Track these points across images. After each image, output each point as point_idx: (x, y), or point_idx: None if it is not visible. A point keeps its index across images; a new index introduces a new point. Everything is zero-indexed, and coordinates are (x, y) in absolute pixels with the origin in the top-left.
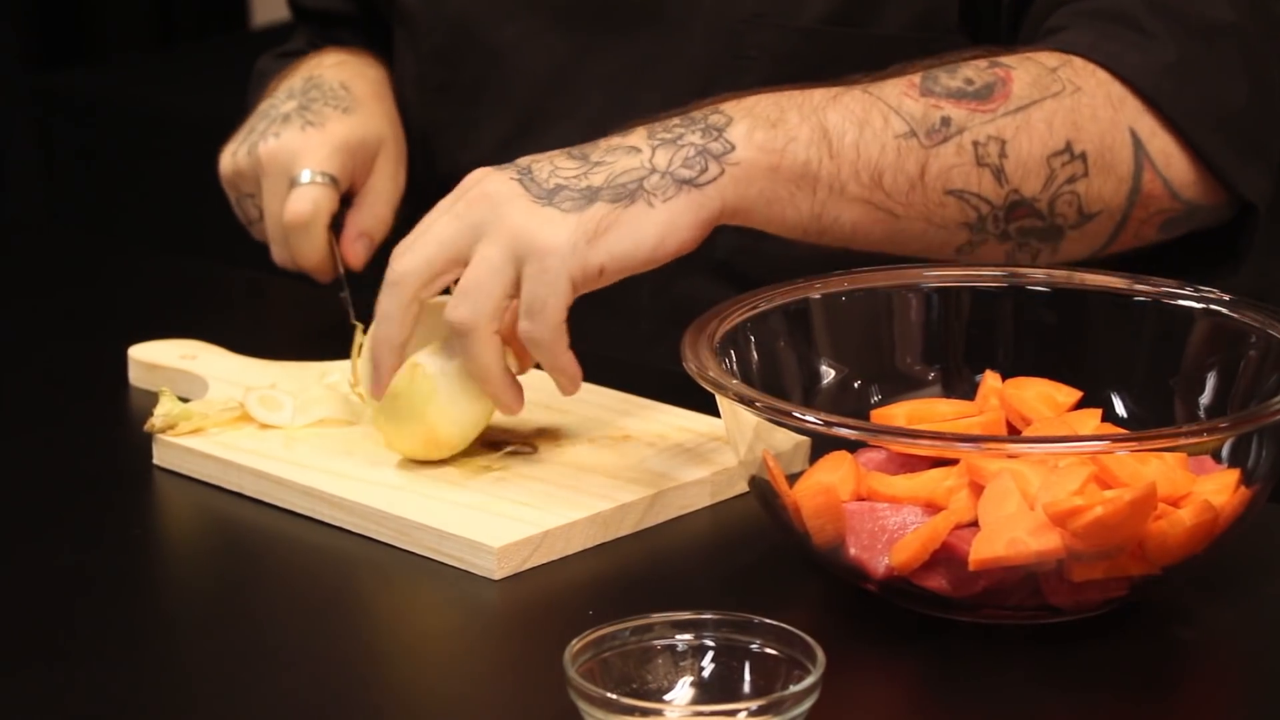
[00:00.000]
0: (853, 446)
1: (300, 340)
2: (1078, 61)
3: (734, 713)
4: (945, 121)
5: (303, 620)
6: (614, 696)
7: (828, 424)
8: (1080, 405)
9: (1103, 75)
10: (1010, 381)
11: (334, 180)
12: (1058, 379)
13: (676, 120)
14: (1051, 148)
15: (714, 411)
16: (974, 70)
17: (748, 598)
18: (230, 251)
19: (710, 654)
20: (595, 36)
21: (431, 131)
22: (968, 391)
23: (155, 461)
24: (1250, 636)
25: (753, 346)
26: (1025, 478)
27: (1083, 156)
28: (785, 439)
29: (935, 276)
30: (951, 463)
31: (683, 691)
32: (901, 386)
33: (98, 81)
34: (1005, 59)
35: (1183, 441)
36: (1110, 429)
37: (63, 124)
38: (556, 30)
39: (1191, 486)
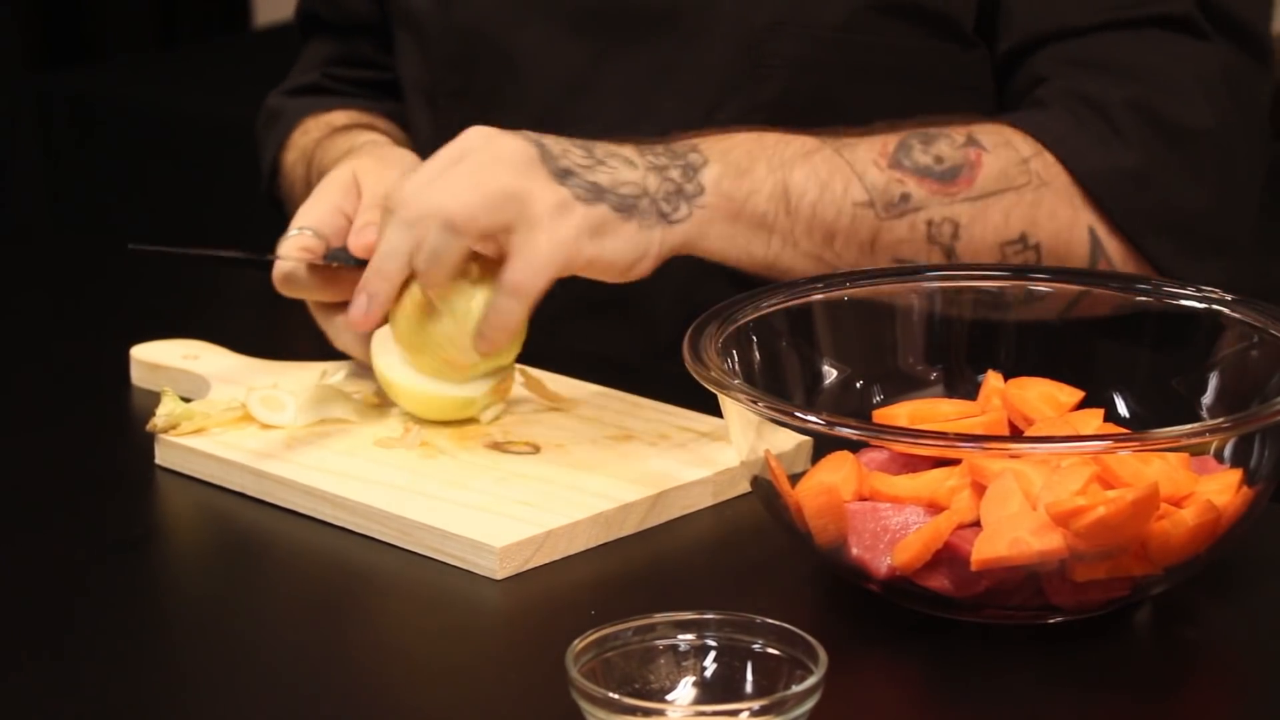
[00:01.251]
0: (855, 446)
1: (302, 340)
2: (1049, 155)
3: (736, 713)
4: (904, 198)
5: (304, 620)
6: (616, 696)
7: (830, 424)
8: (1082, 405)
9: (1068, 175)
10: (1012, 381)
11: (312, 232)
12: (1060, 379)
13: (661, 148)
14: (1006, 237)
15: (716, 411)
16: (948, 147)
17: (750, 598)
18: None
19: (712, 654)
20: (612, 43)
21: (445, 138)
22: (970, 391)
23: (157, 461)
24: (1252, 636)
25: (755, 346)
26: (1027, 478)
27: (1036, 247)
28: (787, 439)
29: (937, 277)
30: (954, 463)
31: (685, 691)
32: (904, 386)
33: (99, 81)
34: (983, 137)
35: (1185, 441)
36: (1112, 429)
37: (64, 124)
38: (573, 36)
39: (1194, 487)
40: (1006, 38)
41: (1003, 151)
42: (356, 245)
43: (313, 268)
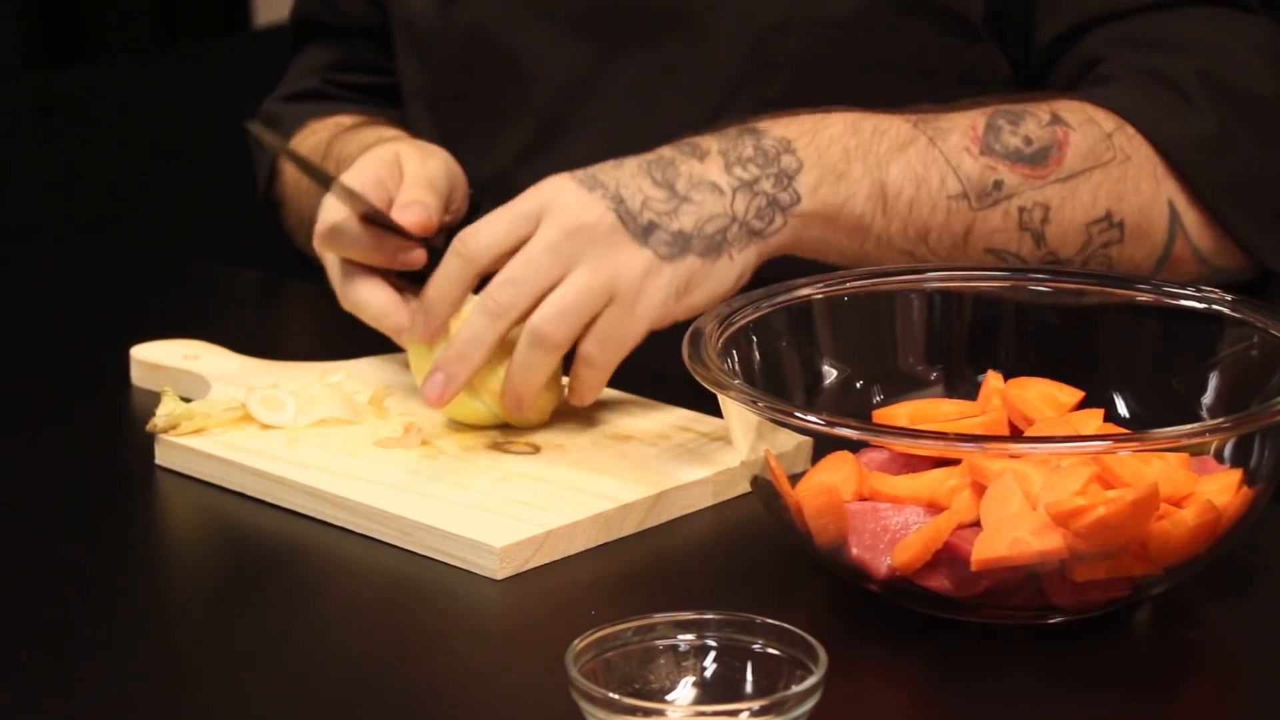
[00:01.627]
0: (855, 446)
1: (302, 340)
2: (1129, 128)
3: (736, 713)
4: (997, 185)
5: (304, 620)
6: (616, 696)
7: (830, 424)
8: (1082, 405)
9: (1149, 146)
10: (1012, 381)
11: (354, 193)
12: (1060, 379)
13: (750, 149)
14: (1093, 216)
15: (716, 412)
16: (1035, 126)
17: (750, 598)
18: (232, 251)
19: (712, 654)
20: (617, 43)
21: (447, 142)
22: (970, 391)
23: (157, 461)
24: (1252, 636)
25: (755, 346)
26: (1028, 478)
27: (1120, 224)
28: (787, 439)
29: (937, 277)
30: (954, 463)
31: (685, 691)
32: (904, 386)
33: (99, 81)
34: (1065, 114)
35: (1185, 441)
36: (1112, 429)
37: (64, 124)
38: (577, 38)
39: (1194, 487)
40: (1051, 25)
41: (1088, 129)
42: (405, 220)
43: (363, 223)
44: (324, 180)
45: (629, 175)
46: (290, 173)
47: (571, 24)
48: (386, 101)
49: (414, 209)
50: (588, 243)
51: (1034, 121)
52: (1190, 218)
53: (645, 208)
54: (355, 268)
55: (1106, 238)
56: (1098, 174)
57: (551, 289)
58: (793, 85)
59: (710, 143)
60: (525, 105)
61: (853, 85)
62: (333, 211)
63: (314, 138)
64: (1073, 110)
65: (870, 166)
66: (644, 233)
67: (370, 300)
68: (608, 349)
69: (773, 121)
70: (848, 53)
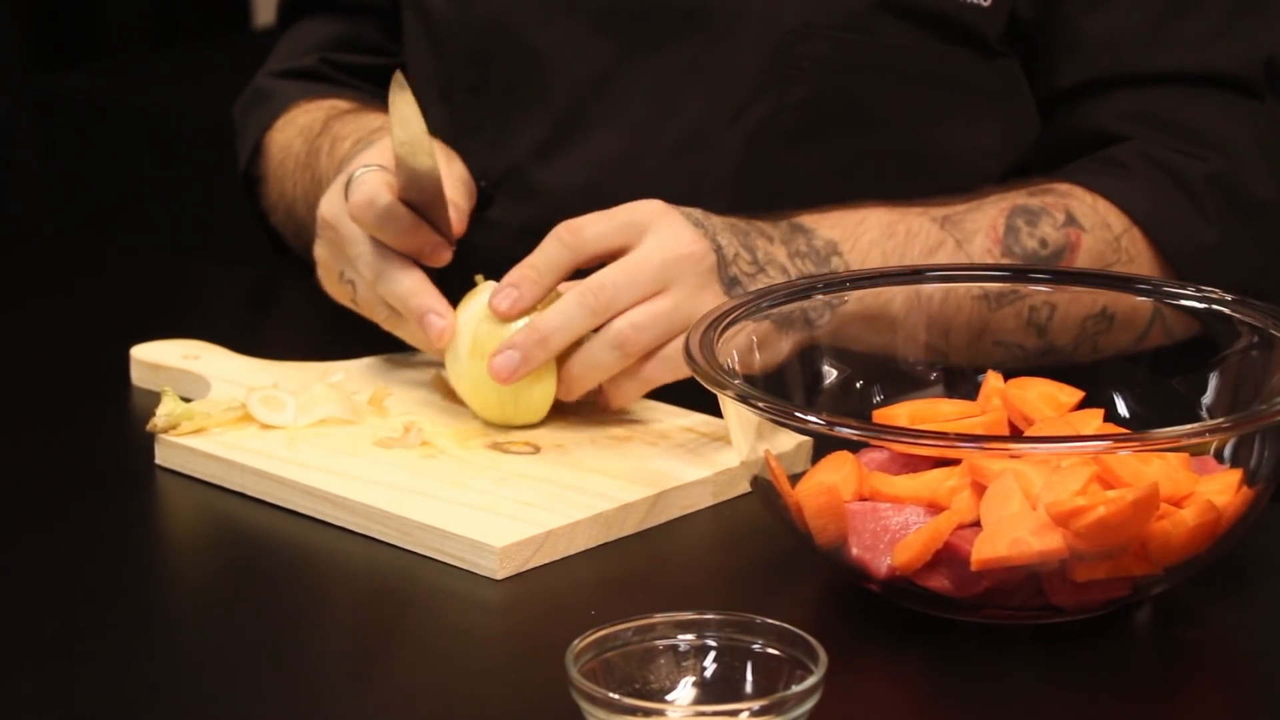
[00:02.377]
0: (855, 446)
1: (302, 340)
2: (1137, 231)
3: (736, 713)
4: (1014, 288)
5: (305, 620)
6: (616, 696)
7: (830, 424)
8: (1082, 405)
9: (1152, 250)
10: (1012, 381)
11: (383, 168)
12: (1060, 379)
13: (804, 245)
14: (1091, 312)
15: (716, 411)
16: (1050, 228)
17: (750, 598)
18: (233, 251)
19: (712, 654)
20: (638, 41)
21: (460, 134)
22: (970, 391)
23: (157, 461)
24: (1253, 636)
25: (755, 347)
26: (1028, 478)
27: (1111, 317)
28: (787, 439)
29: (938, 276)
30: (954, 463)
31: (685, 691)
32: (904, 386)
33: (99, 82)
34: (1079, 214)
35: (1185, 441)
36: (1112, 429)
37: (64, 124)
38: (599, 33)
39: (1194, 486)
40: (1074, 72)
41: (1099, 231)
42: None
43: (404, 205)
44: (414, 146)
45: (723, 227)
46: (275, 152)
47: (593, 20)
48: (381, 86)
49: (456, 213)
50: (689, 272)
51: (1049, 223)
52: (1171, 311)
53: (735, 262)
54: (385, 246)
55: (1098, 328)
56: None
57: (643, 302)
58: (816, 89)
59: (771, 230)
60: (542, 100)
61: (874, 92)
62: (375, 188)
63: (307, 116)
64: (1087, 210)
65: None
66: (730, 284)
67: (403, 278)
68: (665, 371)
69: (816, 219)
70: (869, 59)
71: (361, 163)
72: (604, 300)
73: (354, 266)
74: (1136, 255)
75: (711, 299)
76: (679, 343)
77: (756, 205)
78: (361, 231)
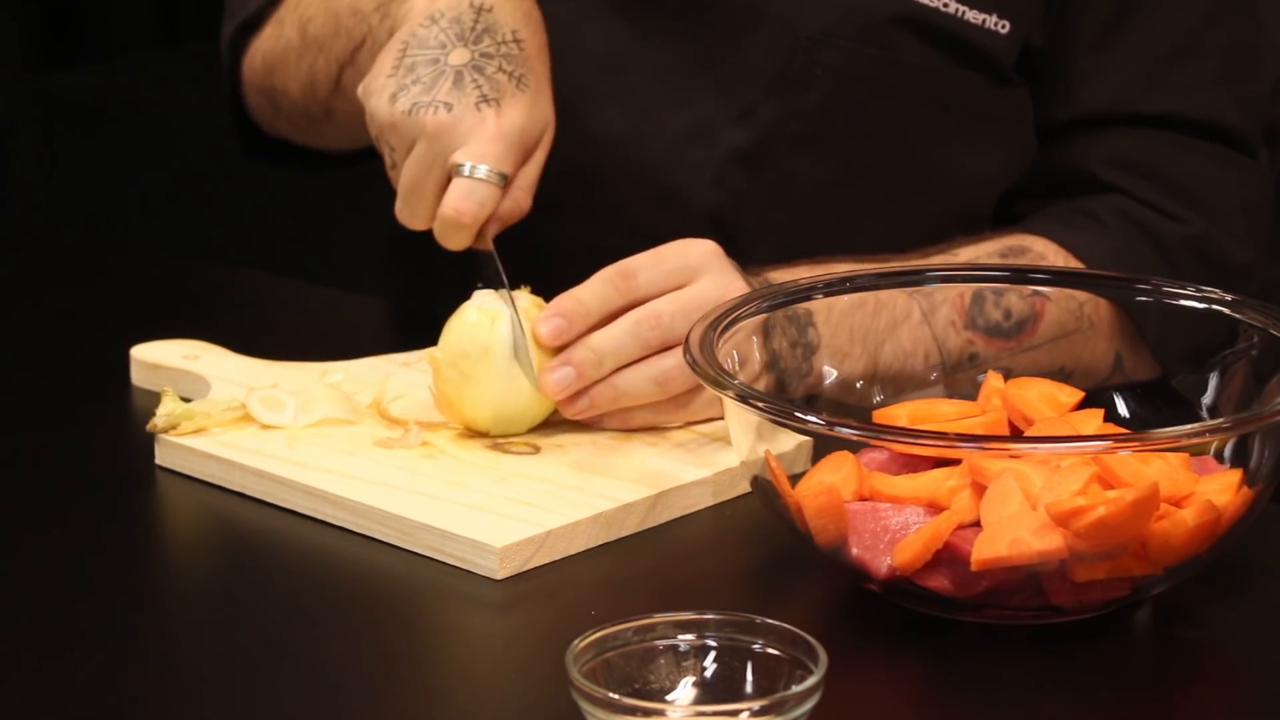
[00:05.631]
0: (855, 447)
1: (302, 340)
2: (1101, 300)
3: (736, 713)
4: (972, 358)
5: (305, 620)
6: (616, 697)
7: (830, 424)
8: (1082, 405)
9: (1114, 311)
10: (1013, 381)
11: (504, 178)
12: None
13: (786, 317)
14: (1048, 370)
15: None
16: (1017, 300)
17: (750, 598)
18: (232, 251)
19: (712, 654)
20: (654, 25)
21: None
22: (970, 392)
23: (157, 461)
24: (1252, 636)
25: (755, 347)
26: (1028, 478)
27: (1069, 375)
28: (787, 439)
29: (937, 276)
30: (954, 463)
31: (685, 692)
32: (904, 386)
33: (100, 81)
34: (1046, 285)
35: (1185, 442)
36: (1113, 429)
37: (65, 124)
38: (615, 13)
39: (1194, 487)
40: (1070, 107)
41: (1063, 301)
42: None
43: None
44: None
45: (759, 285)
46: (290, 19)
47: (607, 0)
48: None
49: (493, 226)
50: (724, 291)
51: (1015, 295)
52: (1132, 364)
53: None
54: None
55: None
56: (1062, 342)
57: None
58: (828, 99)
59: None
60: (552, 75)
61: (884, 107)
62: (473, 213)
63: None
64: (1053, 275)
65: (869, 347)
66: (764, 335)
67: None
68: (685, 410)
69: (788, 273)
70: (884, 74)
71: (484, 159)
72: (659, 334)
73: (395, 154)
74: (1098, 320)
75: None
76: (707, 393)
77: (752, 203)
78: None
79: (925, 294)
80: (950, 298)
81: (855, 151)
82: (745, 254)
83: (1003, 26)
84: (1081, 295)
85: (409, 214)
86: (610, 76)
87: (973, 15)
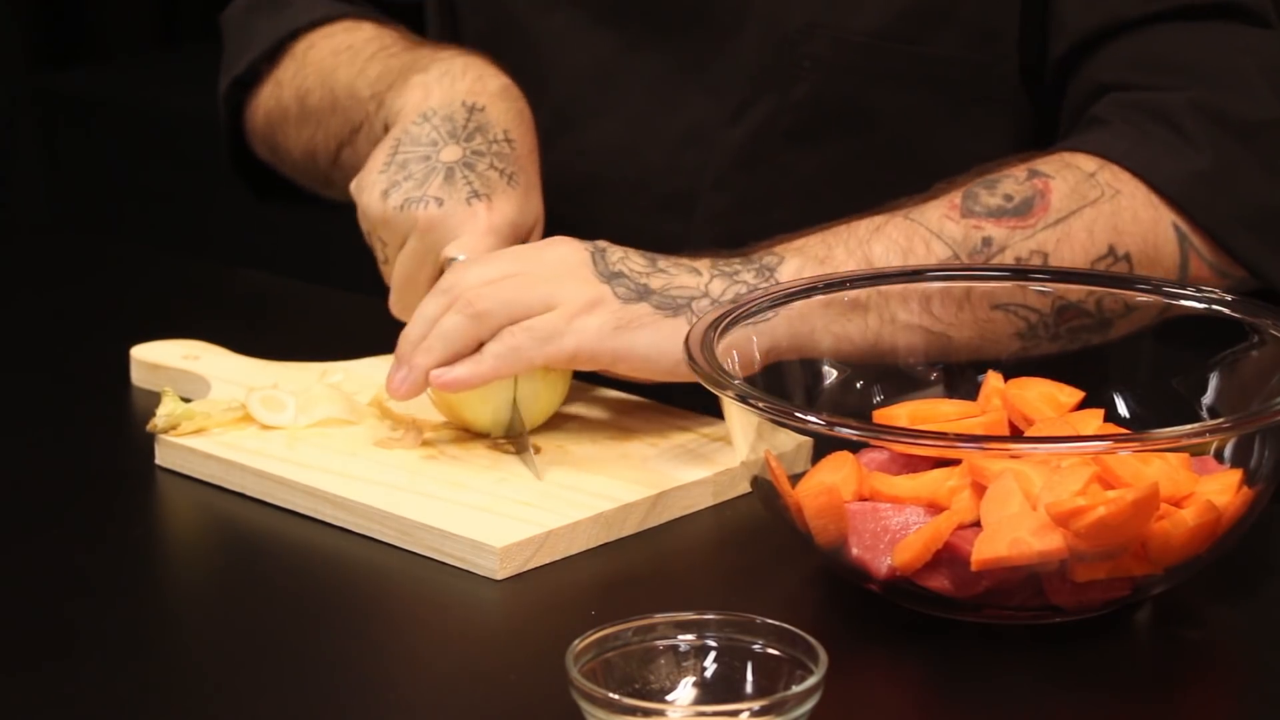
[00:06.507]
0: (855, 447)
1: (302, 340)
2: (1114, 167)
3: (736, 713)
4: (987, 241)
5: (305, 620)
6: (616, 697)
7: (830, 424)
8: (1082, 405)
9: (1138, 181)
10: (1013, 381)
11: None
12: (1060, 379)
13: (737, 259)
14: (1094, 254)
15: (716, 412)
16: (1013, 184)
17: (750, 598)
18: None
19: (713, 654)
20: (641, 34)
21: None
22: (970, 392)
23: (157, 462)
24: (1253, 636)
25: (755, 347)
26: (1028, 478)
27: (1126, 257)
28: (787, 439)
29: (938, 276)
30: (954, 463)
31: (685, 692)
32: (904, 386)
33: (100, 81)
34: (1043, 167)
35: (1185, 442)
36: (1113, 429)
37: (65, 124)
38: (601, 26)
39: (1194, 487)
40: (1060, 42)
41: (1067, 173)
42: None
43: None
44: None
45: (622, 248)
46: (290, 87)
47: (597, 11)
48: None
49: None
50: (555, 260)
51: (1010, 180)
52: (1198, 241)
53: (622, 262)
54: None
55: (1115, 271)
56: (1088, 212)
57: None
58: (818, 90)
59: (703, 257)
60: (545, 88)
61: (877, 94)
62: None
63: (358, 36)
64: (1050, 161)
65: (853, 248)
66: (610, 277)
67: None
68: (529, 339)
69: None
70: (873, 62)
71: (474, 252)
72: (449, 281)
73: (388, 249)
74: (1120, 187)
75: (582, 284)
76: (546, 318)
77: (753, 203)
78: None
79: (903, 207)
80: (937, 201)
81: (850, 142)
82: None
83: None
84: (1090, 165)
85: (402, 308)
86: (603, 88)
87: None
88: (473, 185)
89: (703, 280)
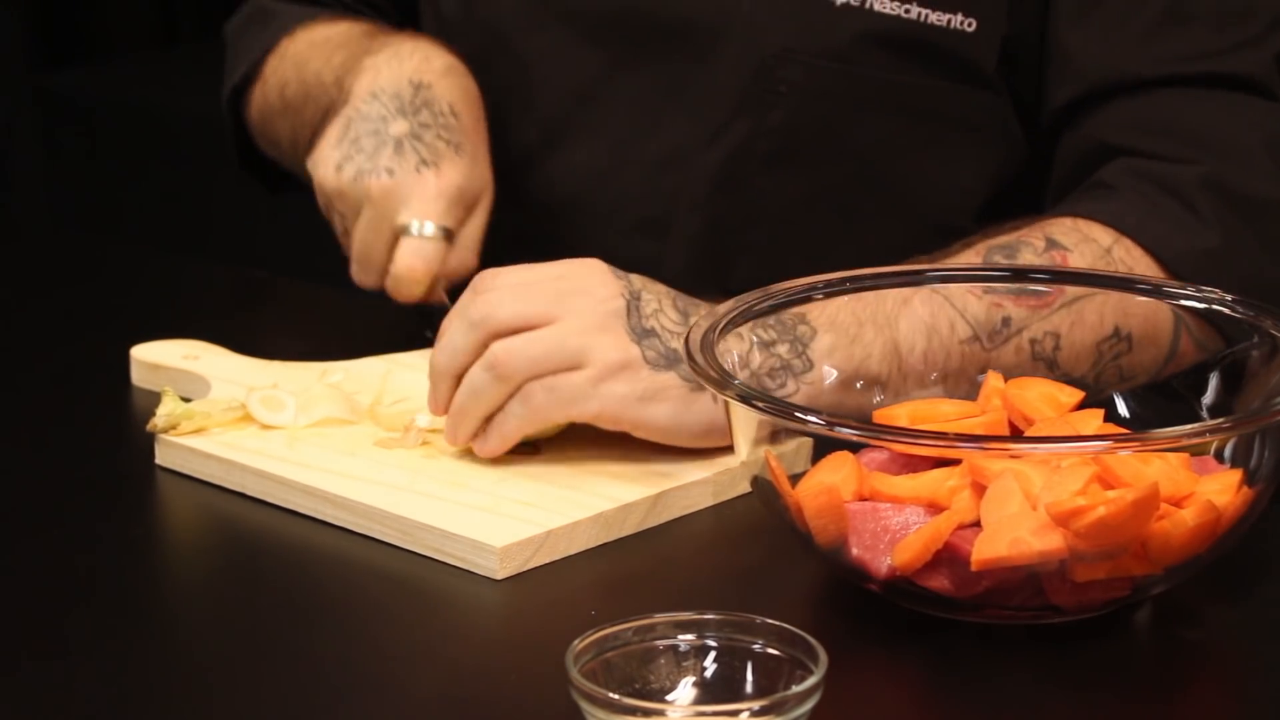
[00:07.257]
0: (855, 447)
1: (302, 340)
2: (1127, 240)
3: (736, 713)
4: (1006, 322)
5: (305, 620)
6: (616, 697)
7: (830, 424)
8: (1082, 405)
9: (1149, 256)
10: (1013, 381)
11: (449, 233)
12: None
13: (772, 323)
14: (1101, 335)
15: None
16: (1032, 255)
17: (750, 598)
18: (232, 251)
19: (712, 654)
20: (626, 54)
21: None
22: (970, 392)
23: (157, 461)
24: (1252, 637)
25: (755, 347)
26: (1028, 478)
27: (1128, 337)
28: (787, 439)
29: (937, 276)
30: (954, 463)
31: (685, 692)
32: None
33: (100, 81)
34: (1060, 236)
35: (1185, 441)
36: (1113, 429)
37: (65, 124)
38: (587, 45)
39: (1194, 487)
40: (1064, 87)
41: (1085, 248)
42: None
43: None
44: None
45: (656, 288)
46: (300, 65)
47: (583, 31)
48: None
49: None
50: (585, 308)
51: (1030, 251)
52: (1193, 320)
53: (655, 317)
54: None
55: (1116, 350)
56: (1100, 295)
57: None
58: (792, 117)
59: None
60: (531, 107)
61: (852, 120)
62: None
63: (324, 31)
64: (1067, 231)
65: (881, 326)
66: (642, 335)
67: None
68: (553, 400)
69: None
70: (848, 89)
71: (427, 215)
72: (484, 314)
73: (345, 220)
74: (1133, 264)
75: (613, 342)
76: (570, 378)
77: (729, 226)
78: (369, 212)
79: (925, 261)
80: (959, 261)
81: (825, 167)
82: (726, 276)
83: (969, 24)
84: (1105, 239)
85: (362, 275)
86: (586, 109)
87: (936, 18)
88: (421, 155)
89: (743, 347)
